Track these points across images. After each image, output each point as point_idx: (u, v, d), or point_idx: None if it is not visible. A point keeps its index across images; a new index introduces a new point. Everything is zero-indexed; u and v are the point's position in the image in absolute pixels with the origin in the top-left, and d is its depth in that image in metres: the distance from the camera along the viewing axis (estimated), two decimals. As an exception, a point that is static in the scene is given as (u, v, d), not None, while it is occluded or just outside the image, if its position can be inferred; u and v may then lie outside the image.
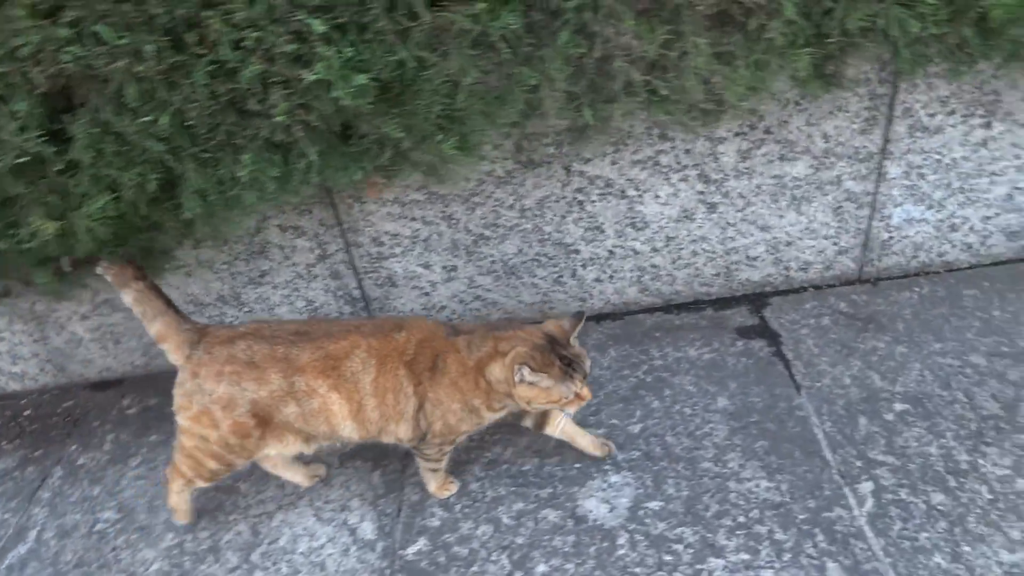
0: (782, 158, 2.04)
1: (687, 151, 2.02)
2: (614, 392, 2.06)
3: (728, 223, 2.17)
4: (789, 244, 2.23)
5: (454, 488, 1.86)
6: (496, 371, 1.57)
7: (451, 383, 1.62)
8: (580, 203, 2.10)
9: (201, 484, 1.76)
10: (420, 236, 2.15)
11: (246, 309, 2.28)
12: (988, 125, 2.02)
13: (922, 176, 2.10)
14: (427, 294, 2.28)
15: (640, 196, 2.10)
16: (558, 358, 1.54)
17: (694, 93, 1.36)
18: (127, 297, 1.69)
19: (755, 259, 2.26)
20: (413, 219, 2.11)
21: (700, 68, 1.27)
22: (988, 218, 2.21)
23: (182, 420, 1.65)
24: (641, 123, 1.93)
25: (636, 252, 2.21)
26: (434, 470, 1.81)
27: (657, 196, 2.10)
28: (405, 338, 1.62)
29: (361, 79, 1.12)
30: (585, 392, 1.58)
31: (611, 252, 2.21)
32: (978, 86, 1.94)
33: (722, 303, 2.33)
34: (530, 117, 1.38)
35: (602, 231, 2.16)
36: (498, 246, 2.18)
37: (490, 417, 1.69)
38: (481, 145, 1.43)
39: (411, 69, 1.21)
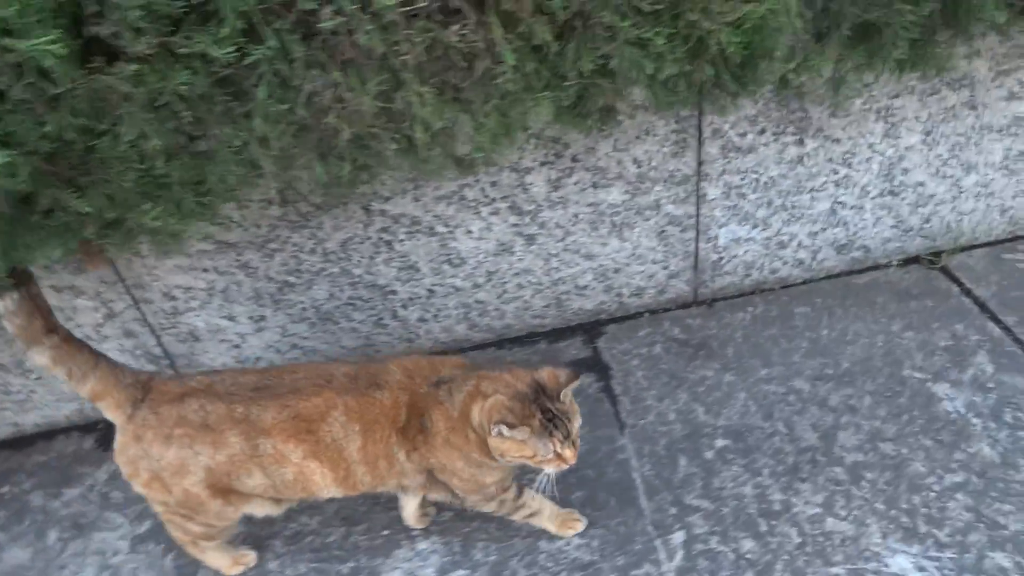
0: (595, 185, 1.94)
1: (493, 184, 1.89)
2: (434, 443, 1.93)
3: (550, 254, 2.05)
4: (617, 271, 2.13)
5: (580, 525, 1.66)
6: (475, 413, 1.38)
7: (444, 442, 1.42)
8: (388, 243, 1.95)
9: (208, 544, 1.59)
10: (216, 287, 1.96)
11: (34, 376, 2.06)
12: (801, 142, 1.96)
13: (742, 196, 2.03)
14: (237, 347, 2.10)
15: (451, 232, 1.96)
16: (541, 410, 1.34)
17: (435, 144, 1.23)
18: (41, 357, 1.36)
19: (585, 288, 2.16)
20: (205, 270, 1.92)
21: (428, 118, 1.14)
22: (815, 233, 2.16)
23: (137, 487, 1.46)
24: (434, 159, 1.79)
25: (457, 289, 2.08)
26: (529, 515, 1.62)
27: (469, 231, 1.97)
28: (392, 400, 1.42)
29: (3, 156, 0.94)
30: (567, 453, 1.37)
31: (431, 291, 2.07)
32: (784, 104, 1.88)
33: (557, 334, 2.22)
34: (252, 178, 1.23)
35: (417, 270, 2.02)
36: (306, 292, 2.02)
37: (503, 464, 1.46)
38: (212, 208, 1.26)
39: (83, 138, 1.03)
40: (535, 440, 1.34)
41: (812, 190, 2.06)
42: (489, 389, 1.38)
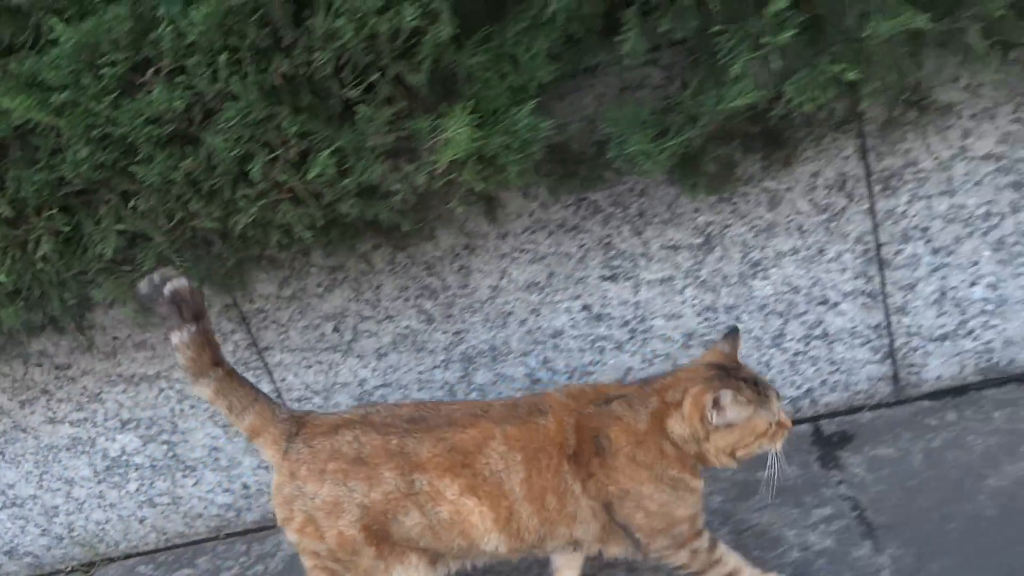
0: None
1: None
2: None
3: None
4: None
5: None
6: (677, 427, 1.27)
7: (628, 461, 1.29)
8: None
9: None
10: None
11: None
12: None
13: None
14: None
15: None
16: (742, 381, 1.26)
17: None
18: (205, 390, 1.37)
19: None
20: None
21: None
22: (-27, 540, 2.32)
23: (290, 535, 1.38)
24: None
25: None
26: (727, 574, 1.38)
27: None
28: (556, 424, 1.31)
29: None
30: (784, 417, 1.28)
31: None
32: None
33: None
34: None
35: None
36: None
37: (699, 487, 1.34)
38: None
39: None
40: (759, 409, 1.23)
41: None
42: (677, 396, 1.28)
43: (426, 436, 1.31)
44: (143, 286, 1.35)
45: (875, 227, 1.67)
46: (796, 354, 1.81)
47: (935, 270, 1.69)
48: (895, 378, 1.81)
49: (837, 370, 1.82)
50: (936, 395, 1.80)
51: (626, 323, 1.82)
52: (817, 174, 1.63)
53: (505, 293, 1.83)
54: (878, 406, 1.84)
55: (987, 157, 1.59)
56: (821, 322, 1.77)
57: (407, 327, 1.89)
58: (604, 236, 1.74)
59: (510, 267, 1.80)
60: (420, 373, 1.94)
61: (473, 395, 1.94)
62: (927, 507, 1.53)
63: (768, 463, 1.30)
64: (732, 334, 1.36)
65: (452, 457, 1.29)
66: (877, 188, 1.64)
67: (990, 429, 1.66)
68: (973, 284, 1.70)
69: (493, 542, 1.32)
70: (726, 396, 1.21)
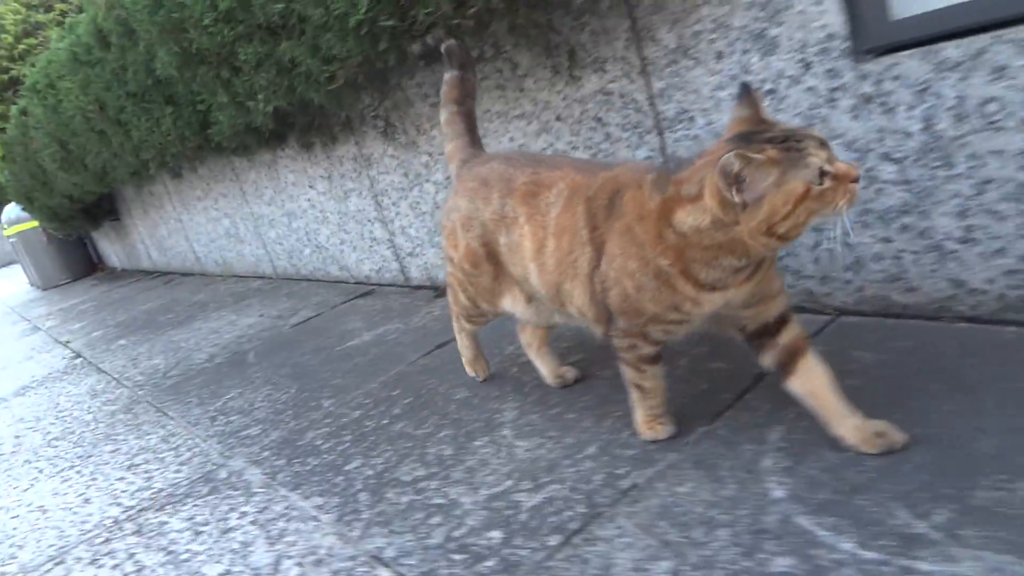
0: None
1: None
2: None
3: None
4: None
5: (662, 432, 1.33)
6: (690, 218, 1.11)
7: (625, 228, 1.20)
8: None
9: (466, 325, 1.71)
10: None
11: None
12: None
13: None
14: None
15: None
16: (767, 142, 1.04)
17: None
18: (441, 115, 1.67)
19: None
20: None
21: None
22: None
23: (441, 238, 1.59)
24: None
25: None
26: (637, 386, 1.33)
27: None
28: (604, 176, 1.28)
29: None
30: (842, 166, 1.02)
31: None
32: None
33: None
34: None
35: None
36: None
37: (694, 297, 1.16)
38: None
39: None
40: (791, 169, 1.02)
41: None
42: (692, 190, 1.11)
43: (528, 170, 1.42)
44: (418, 47, 1.84)
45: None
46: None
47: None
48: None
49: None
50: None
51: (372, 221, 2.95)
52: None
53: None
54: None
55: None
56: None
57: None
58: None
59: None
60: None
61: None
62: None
63: (835, 230, 1.08)
64: (745, 94, 1.14)
65: (528, 188, 1.39)
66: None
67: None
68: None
69: (533, 273, 1.40)
70: (732, 163, 1.02)
